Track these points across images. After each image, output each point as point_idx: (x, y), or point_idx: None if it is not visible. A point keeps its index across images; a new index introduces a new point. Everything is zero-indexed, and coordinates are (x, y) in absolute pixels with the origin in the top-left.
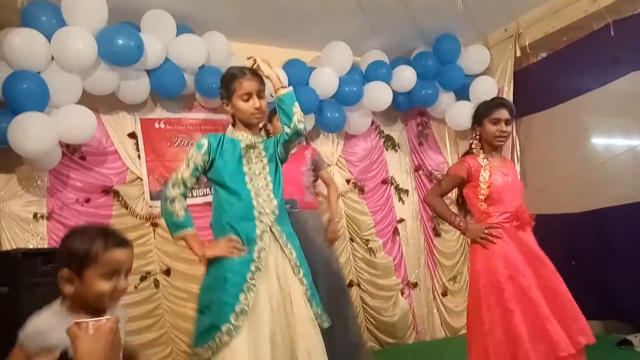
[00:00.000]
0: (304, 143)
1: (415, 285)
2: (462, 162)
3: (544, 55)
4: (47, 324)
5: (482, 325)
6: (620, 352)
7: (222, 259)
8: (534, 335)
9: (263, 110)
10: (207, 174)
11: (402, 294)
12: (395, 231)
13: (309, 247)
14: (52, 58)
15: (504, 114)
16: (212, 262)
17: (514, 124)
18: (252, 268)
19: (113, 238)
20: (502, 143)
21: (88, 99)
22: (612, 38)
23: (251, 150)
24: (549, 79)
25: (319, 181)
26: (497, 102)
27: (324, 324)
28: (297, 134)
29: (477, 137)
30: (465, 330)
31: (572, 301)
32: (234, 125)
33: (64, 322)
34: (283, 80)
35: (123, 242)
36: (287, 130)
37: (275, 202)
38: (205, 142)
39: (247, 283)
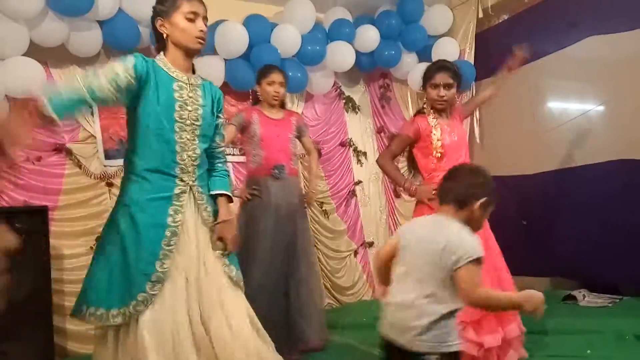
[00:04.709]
0: (286, 107)
1: (370, 244)
2: (411, 122)
3: (505, 17)
4: None
5: None
6: (566, 306)
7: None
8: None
9: (206, 38)
10: (124, 99)
11: (356, 254)
12: (352, 193)
13: (292, 213)
14: None
15: (442, 77)
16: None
17: (473, 86)
18: (168, 233)
19: None
20: (441, 107)
21: (36, 51)
22: (571, 2)
23: (185, 92)
24: (509, 41)
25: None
26: (435, 67)
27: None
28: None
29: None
30: None
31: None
32: (163, 52)
33: None
34: (245, 40)
35: None
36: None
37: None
38: (132, 60)
39: (162, 250)
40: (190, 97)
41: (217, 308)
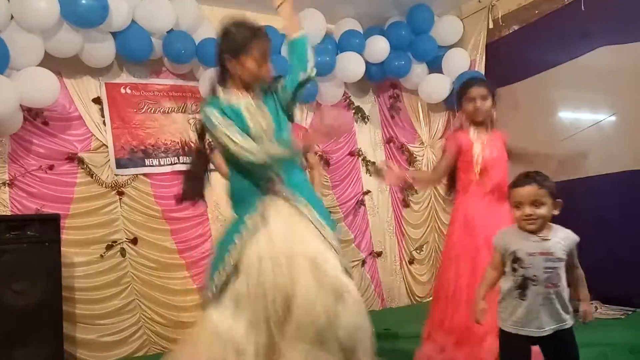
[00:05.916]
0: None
1: (379, 254)
2: (454, 138)
3: (516, 27)
4: None
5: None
6: (578, 318)
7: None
8: None
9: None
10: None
11: (364, 264)
12: (360, 203)
13: None
14: (12, 17)
15: (477, 90)
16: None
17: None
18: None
19: None
20: (480, 119)
21: (50, 62)
22: (583, 12)
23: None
24: (520, 51)
25: None
26: (468, 81)
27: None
28: (308, 80)
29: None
30: (430, 298)
31: None
32: (223, 84)
33: None
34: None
35: None
36: (302, 75)
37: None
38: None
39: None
40: (258, 117)
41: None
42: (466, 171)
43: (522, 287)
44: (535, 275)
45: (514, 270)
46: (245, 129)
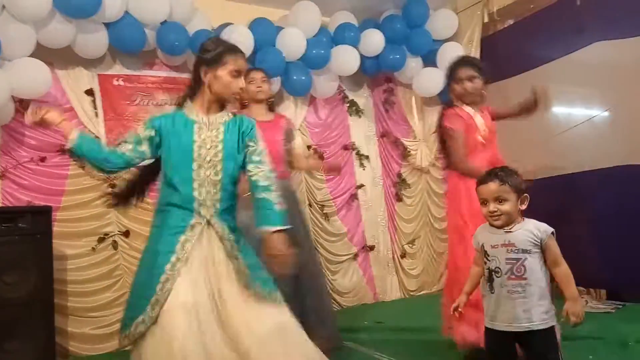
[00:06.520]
0: (275, 110)
1: (372, 248)
2: (455, 116)
3: (511, 22)
4: None
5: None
6: None
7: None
8: None
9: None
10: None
11: (357, 257)
12: (353, 197)
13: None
14: (3, 7)
15: (464, 72)
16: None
17: None
18: (173, 259)
19: None
20: (469, 100)
21: (42, 52)
22: (578, 7)
23: (205, 132)
24: (515, 46)
25: None
26: (456, 62)
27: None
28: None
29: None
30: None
31: None
32: (193, 95)
33: None
34: (250, 43)
35: None
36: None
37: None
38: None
39: (165, 274)
40: (208, 137)
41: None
42: (465, 145)
43: (489, 279)
44: (498, 267)
45: (485, 264)
46: (188, 142)
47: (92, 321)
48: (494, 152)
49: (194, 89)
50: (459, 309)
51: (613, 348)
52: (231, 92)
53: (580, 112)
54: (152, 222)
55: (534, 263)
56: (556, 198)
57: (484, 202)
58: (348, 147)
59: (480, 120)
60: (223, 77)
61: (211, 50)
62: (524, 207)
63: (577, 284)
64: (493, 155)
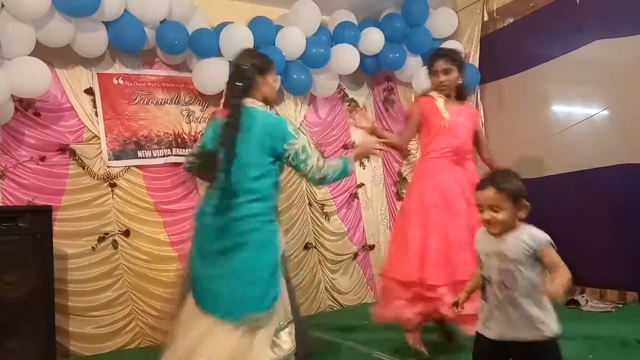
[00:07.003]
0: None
1: (372, 247)
2: (416, 104)
3: (510, 20)
4: None
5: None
6: (569, 311)
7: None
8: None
9: None
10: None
11: (357, 256)
12: (353, 196)
13: None
14: (3, 6)
15: (439, 65)
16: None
17: (477, 89)
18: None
19: None
20: (445, 92)
21: (42, 51)
22: (578, 6)
23: None
24: (514, 45)
25: None
26: (431, 55)
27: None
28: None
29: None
30: None
31: None
32: (249, 95)
33: None
34: (250, 42)
35: None
36: (311, 180)
37: None
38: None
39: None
40: None
41: None
42: (427, 133)
43: (483, 287)
44: (489, 276)
45: (481, 270)
46: None
47: (93, 320)
48: (463, 143)
49: (247, 89)
50: (459, 307)
51: (613, 348)
52: (275, 96)
53: (579, 110)
54: None
55: (527, 274)
56: (555, 196)
57: (480, 208)
58: (348, 146)
59: (442, 106)
60: (271, 82)
61: (261, 58)
62: (522, 215)
63: (576, 283)
64: (460, 147)
